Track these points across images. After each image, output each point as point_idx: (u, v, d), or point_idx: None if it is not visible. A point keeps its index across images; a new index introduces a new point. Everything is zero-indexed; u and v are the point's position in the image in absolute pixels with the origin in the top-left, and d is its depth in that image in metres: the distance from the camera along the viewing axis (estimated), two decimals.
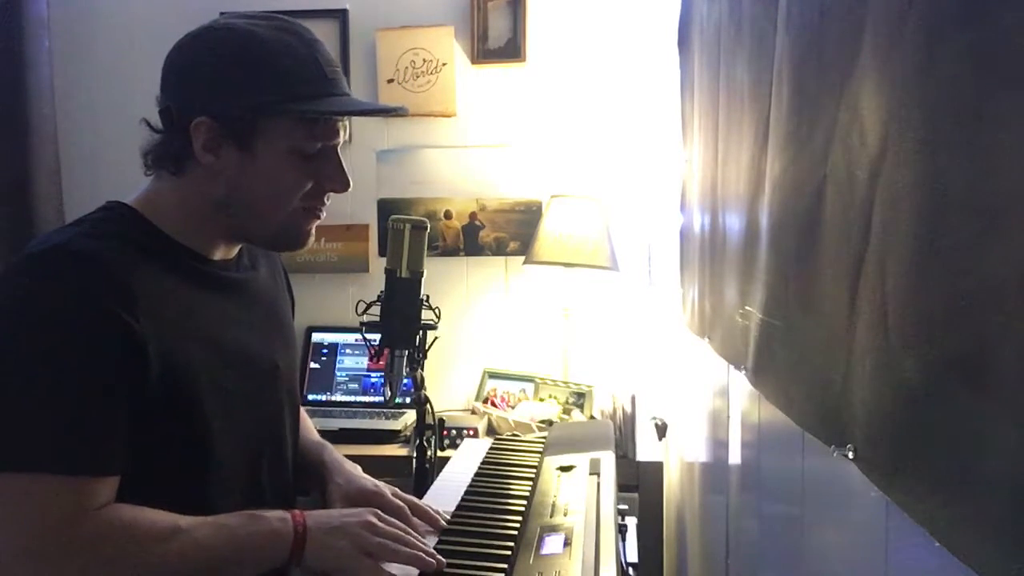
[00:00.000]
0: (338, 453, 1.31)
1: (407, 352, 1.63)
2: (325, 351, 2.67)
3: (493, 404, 2.51)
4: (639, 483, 2.13)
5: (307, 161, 1.07)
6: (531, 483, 1.31)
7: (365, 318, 1.61)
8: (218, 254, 1.12)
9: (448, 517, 1.19)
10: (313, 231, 1.13)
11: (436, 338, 1.69)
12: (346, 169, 1.11)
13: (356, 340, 2.62)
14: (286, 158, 1.06)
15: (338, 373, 2.65)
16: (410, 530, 1.06)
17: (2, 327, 0.94)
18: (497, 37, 2.65)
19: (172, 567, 0.94)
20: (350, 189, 1.12)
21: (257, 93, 1.03)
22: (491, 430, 2.39)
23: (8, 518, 0.91)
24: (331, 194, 1.12)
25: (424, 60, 2.65)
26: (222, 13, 1.14)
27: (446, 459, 1.59)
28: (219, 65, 1.05)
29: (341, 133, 1.10)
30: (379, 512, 1.06)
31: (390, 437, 2.37)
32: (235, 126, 1.04)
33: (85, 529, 0.91)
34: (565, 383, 2.51)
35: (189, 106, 1.04)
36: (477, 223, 2.67)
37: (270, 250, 1.24)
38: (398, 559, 1.00)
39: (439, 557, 1.01)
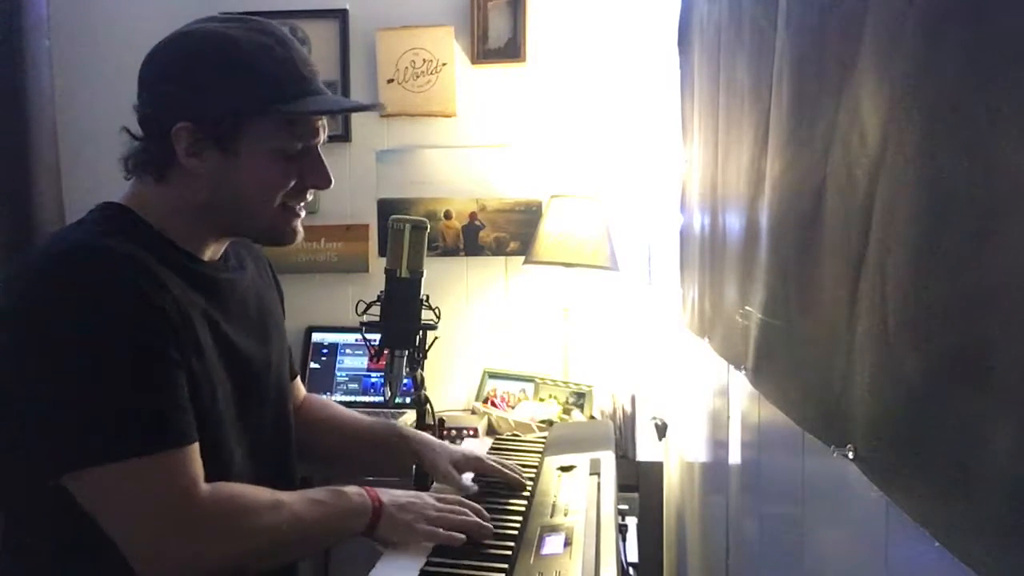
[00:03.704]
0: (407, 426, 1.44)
1: (407, 352, 1.63)
2: (325, 351, 2.67)
3: (493, 404, 2.51)
4: (639, 483, 2.13)
5: (289, 160, 1.09)
6: (531, 483, 1.32)
7: (365, 318, 1.61)
8: (207, 254, 1.13)
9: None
10: (300, 228, 1.15)
11: (436, 338, 1.69)
12: (327, 166, 1.13)
13: (356, 340, 2.62)
14: (269, 158, 1.07)
15: (338, 373, 2.65)
16: (463, 508, 1.14)
17: (52, 326, 0.95)
18: (497, 37, 2.65)
19: (276, 537, 1.02)
20: (332, 186, 1.14)
21: (237, 96, 1.04)
22: (491, 430, 2.39)
23: (121, 508, 0.95)
24: (316, 191, 1.14)
25: (424, 60, 2.65)
26: (235, 17, 1.14)
27: None
28: (197, 69, 1.05)
29: (321, 132, 1.12)
30: (436, 494, 1.18)
31: None
32: (217, 130, 1.04)
33: (198, 502, 0.96)
34: (565, 383, 2.51)
35: (169, 112, 1.04)
36: (477, 223, 2.67)
37: (260, 244, 1.25)
38: (456, 526, 1.09)
39: (489, 526, 1.11)
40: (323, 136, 1.12)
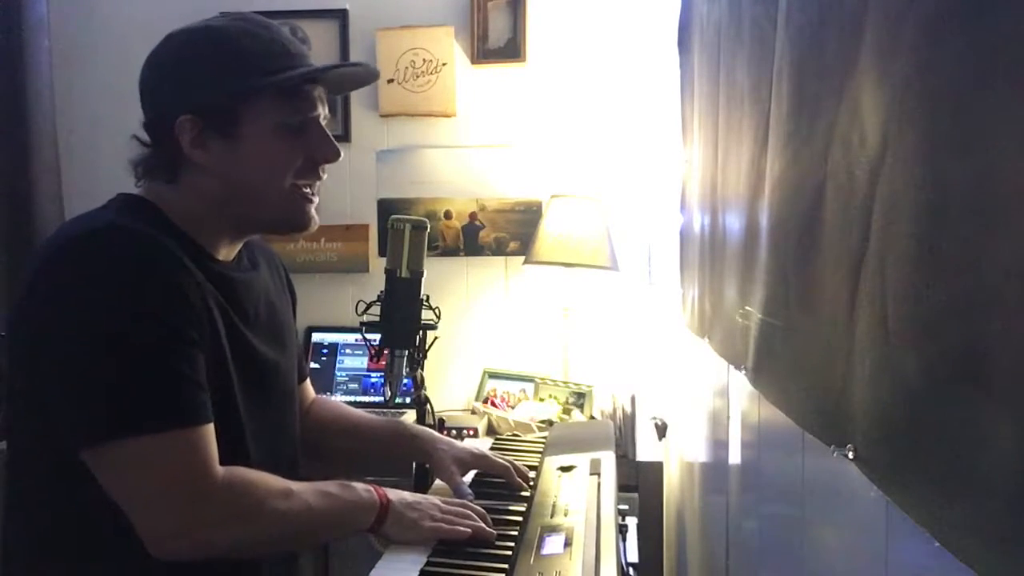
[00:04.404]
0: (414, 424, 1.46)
1: (407, 352, 1.63)
2: (325, 351, 2.67)
3: (493, 404, 2.51)
4: (639, 483, 2.13)
5: (294, 136, 1.10)
6: (531, 483, 1.32)
7: (365, 318, 1.61)
8: (221, 254, 1.14)
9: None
10: (315, 214, 1.16)
11: (436, 338, 1.69)
12: (332, 138, 1.14)
13: (356, 340, 2.62)
14: (273, 136, 1.09)
15: (338, 373, 2.65)
16: (469, 512, 1.14)
17: (73, 304, 0.96)
18: (497, 37, 2.65)
19: (284, 524, 1.04)
20: (341, 158, 1.14)
21: (229, 78, 1.06)
22: (491, 430, 2.39)
23: (136, 484, 0.96)
24: (325, 174, 1.15)
25: (424, 60, 2.65)
26: (222, 14, 1.15)
27: None
28: (188, 62, 1.08)
29: (320, 106, 1.13)
30: (442, 498, 1.19)
31: None
32: (217, 116, 1.07)
33: (212, 481, 0.98)
34: (565, 383, 2.51)
35: (169, 111, 1.07)
36: (477, 223, 2.67)
37: (277, 234, 1.24)
38: (460, 527, 1.10)
39: (492, 531, 1.11)
40: (322, 110, 1.14)
